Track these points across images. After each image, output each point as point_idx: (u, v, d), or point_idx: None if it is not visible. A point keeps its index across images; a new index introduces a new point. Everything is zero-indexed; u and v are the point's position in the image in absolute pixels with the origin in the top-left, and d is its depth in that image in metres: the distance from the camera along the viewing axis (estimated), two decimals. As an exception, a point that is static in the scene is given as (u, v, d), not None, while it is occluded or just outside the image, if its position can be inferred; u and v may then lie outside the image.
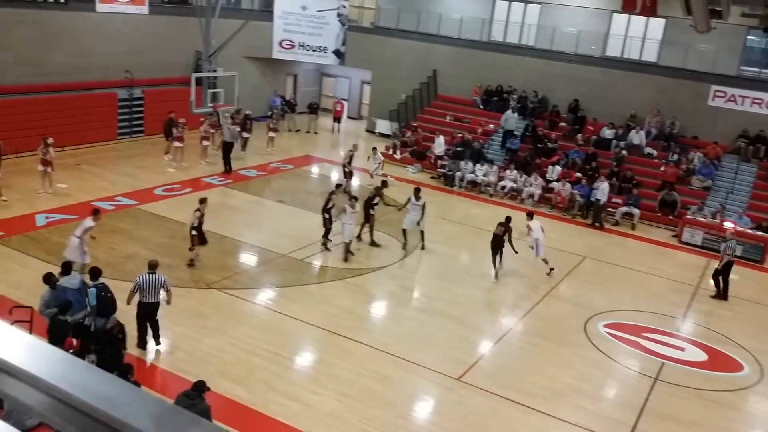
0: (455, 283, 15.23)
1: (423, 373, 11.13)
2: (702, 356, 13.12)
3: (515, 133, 25.07)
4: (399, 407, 10.18)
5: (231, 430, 8.63)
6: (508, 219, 15.79)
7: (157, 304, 10.80)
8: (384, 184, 17.71)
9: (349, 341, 11.90)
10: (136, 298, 10.69)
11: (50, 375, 1.34)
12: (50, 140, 17.48)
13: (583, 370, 11.95)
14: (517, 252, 15.58)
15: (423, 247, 16.81)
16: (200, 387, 8.10)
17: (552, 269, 16.00)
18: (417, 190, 16.97)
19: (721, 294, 15.85)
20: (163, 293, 10.89)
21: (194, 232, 14.22)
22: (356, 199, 16.28)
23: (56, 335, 9.16)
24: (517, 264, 16.86)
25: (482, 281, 15.83)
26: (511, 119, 25.12)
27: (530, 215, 16.46)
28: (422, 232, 16.87)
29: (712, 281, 16.13)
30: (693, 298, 15.90)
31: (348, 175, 20.98)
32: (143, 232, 15.84)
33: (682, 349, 13.23)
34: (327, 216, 16.01)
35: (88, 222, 12.69)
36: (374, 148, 22.51)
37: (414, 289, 15.10)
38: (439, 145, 24.76)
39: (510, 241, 15.50)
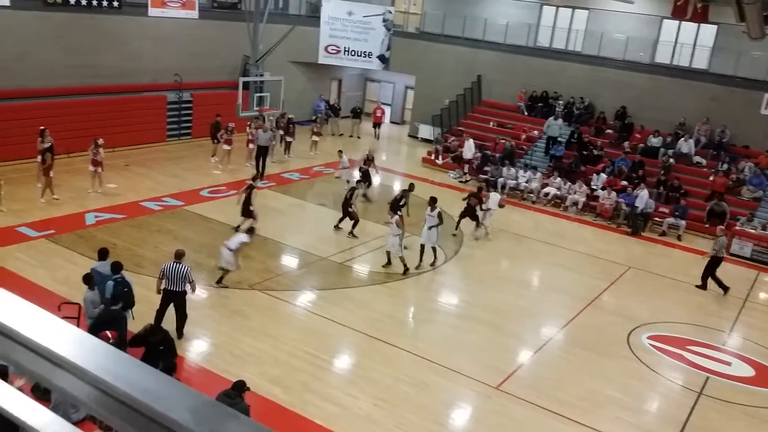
0: (494, 290, 15.14)
1: (461, 381, 11.09)
2: (749, 371, 12.78)
3: (559, 139, 24.81)
4: (435, 413, 10.16)
5: (268, 428, 8.72)
6: (480, 189, 19.09)
7: (181, 294, 11.04)
8: (411, 186, 17.54)
9: (387, 346, 11.92)
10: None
11: (96, 367, 1.40)
12: (101, 141, 17.95)
13: (624, 382, 11.75)
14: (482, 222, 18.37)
15: (433, 264, 15.79)
16: (240, 387, 8.23)
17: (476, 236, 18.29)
18: (432, 200, 15.91)
19: (703, 285, 16.40)
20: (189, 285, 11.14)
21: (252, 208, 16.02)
22: (393, 210, 16.17)
23: (105, 326, 9.38)
24: (557, 273, 16.71)
25: (522, 288, 15.72)
26: (554, 126, 24.87)
27: (488, 189, 19.97)
28: (434, 248, 15.87)
29: (712, 281, 16.43)
30: (740, 312, 15.49)
31: (365, 177, 20.34)
32: (188, 233, 16.15)
33: (729, 364, 12.90)
34: (352, 209, 17.04)
35: (244, 237, 13.08)
36: (340, 151, 22.26)
37: (453, 295, 15.04)
38: (469, 148, 24.71)
39: (481, 208, 18.14)
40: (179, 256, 11.17)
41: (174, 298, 11.05)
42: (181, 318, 11.22)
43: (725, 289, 16.15)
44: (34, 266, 13.31)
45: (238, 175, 21.32)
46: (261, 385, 9.87)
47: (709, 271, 16.26)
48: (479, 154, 24.76)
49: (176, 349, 9.91)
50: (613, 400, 11.08)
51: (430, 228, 15.61)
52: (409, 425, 9.67)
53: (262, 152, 21.74)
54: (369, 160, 21.02)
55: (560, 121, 25.17)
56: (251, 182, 16.64)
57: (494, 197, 18.68)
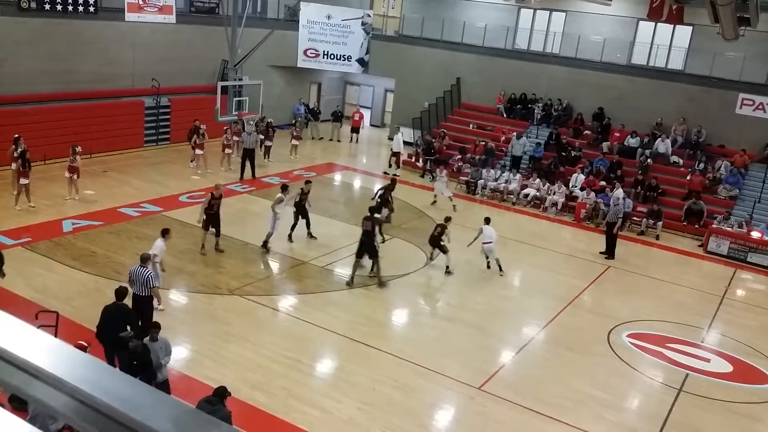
0: (476, 291, 15.18)
1: (444, 382, 11.10)
2: (727, 367, 12.93)
3: (525, 156, 24.68)
4: (419, 416, 10.16)
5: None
6: (448, 219, 17.37)
7: (145, 299, 10.86)
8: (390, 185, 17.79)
9: (370, 349, 11.91)
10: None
11: (73, 377, 1.38)
12: (79, 149, 17.78)
13: (605, 380, 11.84)
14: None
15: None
16: (221, 393, 8.16)
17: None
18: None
19: (610, 253, 18.09)
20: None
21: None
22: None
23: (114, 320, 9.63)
24: (537, 274, 16.80)
25: (503, 289, 15.79)
26: (517, 146, 24.54)
27: (439, 164, 21.26)
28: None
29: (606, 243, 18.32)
30: (719, 309, 15.68)
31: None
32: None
33: (708, 360, 13.05)
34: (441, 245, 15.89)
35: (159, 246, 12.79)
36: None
37: (435, 297, 15.07)
38: (398, 142, 25.32)
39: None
40: (144, 260, 11.01)
41: (139, 302, 10.85)
42: (144, 324, 10.83)
43: (611, 254, 18.07)
44: (10, 275, 13.08)
45: (216, 180, 21.12)
46: (242, 391, 9.81)
47: (615, 238, 18.08)
48: (459, 156, 24.85)
49: (152, 364, 9.63)
50: (595, 398, 11.16)
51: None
52: (392, 428, 9.66)
53: (249, 155, 21.74)
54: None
55: (524, 139, 24.86)
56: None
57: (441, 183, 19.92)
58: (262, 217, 18.62)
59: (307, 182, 17.60)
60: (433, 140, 26.18)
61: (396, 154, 25.45)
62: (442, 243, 15.89)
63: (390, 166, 25.38)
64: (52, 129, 20.45)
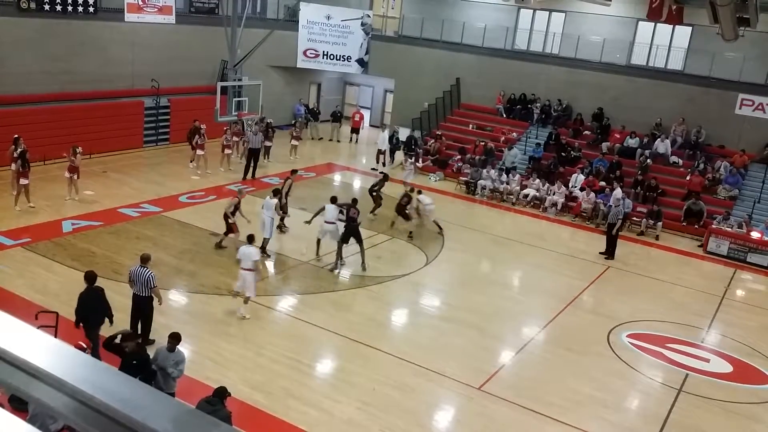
0: (476, 291, 15.18)
1: (443, 382, 11.10)
2: (727, 368, 12.93)
3: (522, 161, 24.64)
4: (419, 416, 10.16)
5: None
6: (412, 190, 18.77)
7: (146, 299, 10.82)
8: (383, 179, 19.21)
9: (369, 349, 11.91)
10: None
11: (73, 377, 1.38)
12: (79, 149, 17.79)
13: (605, 380, 11.84)
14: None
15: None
16: (221, 393, 8.16)
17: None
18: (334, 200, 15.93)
19: (610, 253, 18.13)
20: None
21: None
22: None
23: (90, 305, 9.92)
24: (537, 274, 16.80)
25: (503, 290, 15.80)
26: (509, 156, 24.47)
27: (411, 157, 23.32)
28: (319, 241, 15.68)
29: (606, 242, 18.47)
30: (718, 309, 15.68)
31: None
32: (167, 239, 16.01)
33: (707, 360, 13.05)
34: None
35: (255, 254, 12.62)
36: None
37: (435, 297, 15.07)
38: (383, 140, 25.98)
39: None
40: (144, 260, 10.93)
41: (139, 302, 10.84)
42: (145, 324, 10.92)
43: (611, 254, 18.09)
44: (10, 275, 13.12)
45: (216, 180, 21.22)
46: (242, 391, 9.82)
47: (615, 238, 18.13)
48: (458, 156, 24.88)
49: (151, 363, 9.59)
50: (595, 398, 11.16)
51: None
52: (392, 428, 9.66)
53: (254, 154, 21.87)
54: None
55: (515, 150, 24.71)
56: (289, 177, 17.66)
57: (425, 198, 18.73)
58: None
59: (293, 171, 18.42)
60: (416, 137, 26.30)
61: (383, 152, 25.84)
62: (407, 211, 17.67)
63: (384, 165, 25.58)
64: (52, 129, 20.43)
